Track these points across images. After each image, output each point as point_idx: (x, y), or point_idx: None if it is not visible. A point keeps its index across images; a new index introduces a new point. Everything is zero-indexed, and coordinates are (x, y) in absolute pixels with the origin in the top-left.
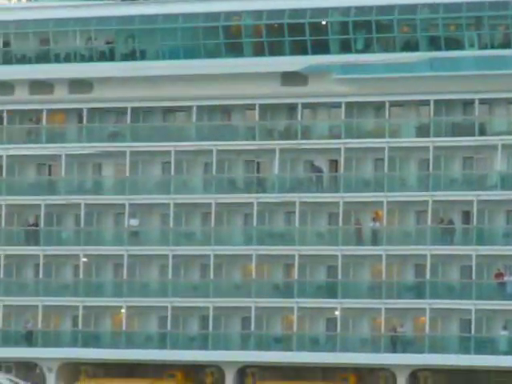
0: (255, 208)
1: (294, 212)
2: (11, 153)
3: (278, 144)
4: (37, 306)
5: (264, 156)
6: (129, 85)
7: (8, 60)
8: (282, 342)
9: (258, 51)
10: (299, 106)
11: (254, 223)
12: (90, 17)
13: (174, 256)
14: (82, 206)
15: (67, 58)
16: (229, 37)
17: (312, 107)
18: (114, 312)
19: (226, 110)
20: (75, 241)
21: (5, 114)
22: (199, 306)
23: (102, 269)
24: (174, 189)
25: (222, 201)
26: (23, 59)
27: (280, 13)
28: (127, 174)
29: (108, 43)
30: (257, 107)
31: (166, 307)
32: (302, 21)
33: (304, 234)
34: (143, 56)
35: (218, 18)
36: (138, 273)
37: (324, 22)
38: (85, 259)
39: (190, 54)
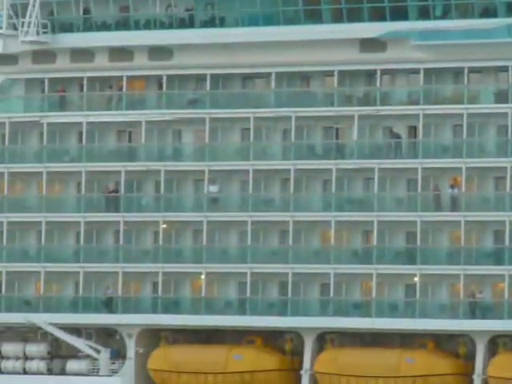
0: (334, 174)
1: (373, 178)
2: (91, 120)
3: (356, 110)
4: (117, 273)
5: (343, 122)
6: (208, 52)
7: (88, 27)
8: (360, 308)
9: (337, 18)
10: (378, 73)
11: (333, 189)
12: None
13: (253, 222)
14: (162, 173)
15: (147, 25)
16: (308, 3)
17: (390, 73)
18: (194, 278)
19: (305, 77)
20: (155, 207)
21: (85, 82)
22: (278, 272)
23: (181, 235)
24: (253, 155)
25: (301, 167)
26: (103, 26)
27: None
28: (206, 141)
29: (187, 10)
30: (335, 74)
31: (245, 273)
32: None
33: (383, 200)
34: (222, 23)
35: None
36: (217, 239)
37: None
38: (164, 225)
39: (269, 20)
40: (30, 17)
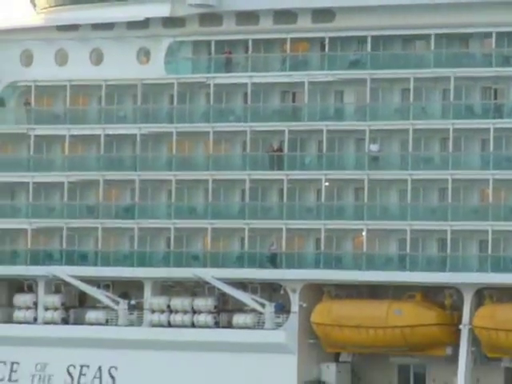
0: (492, 134)
1: None
2: (255, 80)
3: None
4: (281, 229)
5: (501, 83)
6: (369, 14)
7: None
8: None
9: None
10: None
11: (491, 148)
12: None
13: (413, 180)
14: (324, 132)
15: None
16: None
17: None
18: (355, 235)
19: (464, 38)
20: (318, 166)
21: (250, 44)
22: (437, 230)
23: (343, 193)
24: (412, 115)
25: (460, 126)
26: None
27: None
28: (367, 101)
29: None
30: (493, 35)
31: (405, 230)
32: None
33: None
34: None
35: None
36: (378, 197)
37: None
38: (327, 183)
39: None
40: None
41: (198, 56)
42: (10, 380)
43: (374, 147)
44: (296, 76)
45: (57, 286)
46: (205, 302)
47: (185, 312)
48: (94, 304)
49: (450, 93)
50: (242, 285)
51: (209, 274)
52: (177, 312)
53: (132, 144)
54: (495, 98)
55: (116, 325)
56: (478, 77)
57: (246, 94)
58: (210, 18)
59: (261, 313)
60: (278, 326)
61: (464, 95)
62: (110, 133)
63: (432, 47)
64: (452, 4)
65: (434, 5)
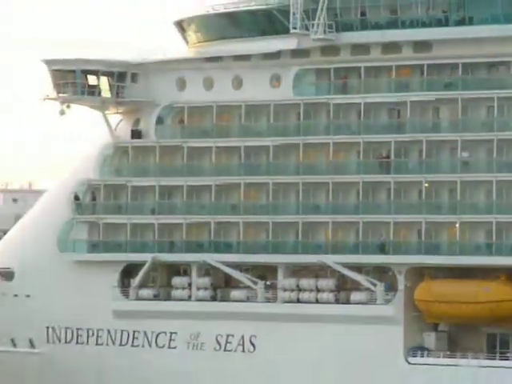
0: None
1: None
2: (367, 100)
3: None
4: (389, 223)
5: None
6: (460, 45)
7: (364, 26)
8: None
9: None
10: None
11: None
12: None
13: (497, 182)
14: (424, 143)
15: (411, 25)
16: None
17: None
18: (450, 226)
19: None
20: (419, 170)
21: (362, 70)
22: None
23: (439, 192)
24: (496, 127)
25: None
26: (376, 26)
27: None
28: (459, 116)
29: (443, 12)
30: None
31: (491, 222)
32: None
33: None
34: (471, 21)
35: None
36: (468, 195)
37: None
38: (426, 185)
39: (509, 19)
40: (319, 19)
41: (320, 81)
42: (169, 347)
43: (465, 154)
44: (400, 96)
45: (207, 270)
46: (327, 283)
47: (310, 291)
48: (237, 284)
49: None
50: (357, 268)
51: (330, 259)
52: (304, 291)
53: (266, 154)
54: None
55: (255, 301)
56: None
57: (359, 112)
58: (330, 49)
59: (373, 291)
60: (387, 302)
61: None
62: (249, 144)
63: (511, 71)
64: None
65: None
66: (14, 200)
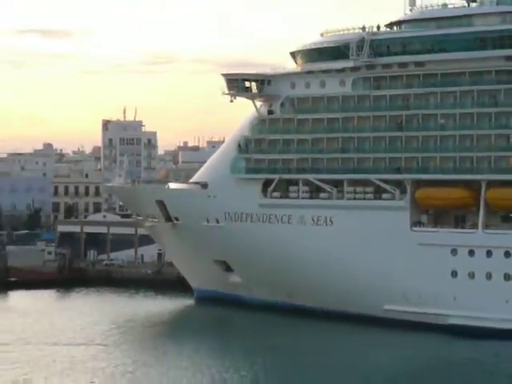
0: None
1: None
2: None
3: None
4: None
5: None
6: None
7: None
8: None
9: None
10: None
11: None
12: None
13: None
14: None
15: None
16: None
17: None
18: None
19: None
20: None
21: None
22: None
23: None
24: None
25: None
26: None
27: None
28: None
29: None
30: None
31: None
32: None
33: None
34: None
35: None
36: None
37: None
38: None
39: None
40: (364, 50)
41: (365, 83)
42: (288, 223)
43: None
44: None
45: (308, 182)
46: (370, 189)
47: (362, 193)
48: (324, 190)
49: None
50: (385, 181)
51: (373, 177)
52: (358, 193)
53: (338, 122)
54: None
55: (332, 199)
56: None
57: (385, 99)
58: (370, 67)
59: (394, 193)
60: (401, 199)
61: None
62: (329, 117)
63: None
64: None
65: None
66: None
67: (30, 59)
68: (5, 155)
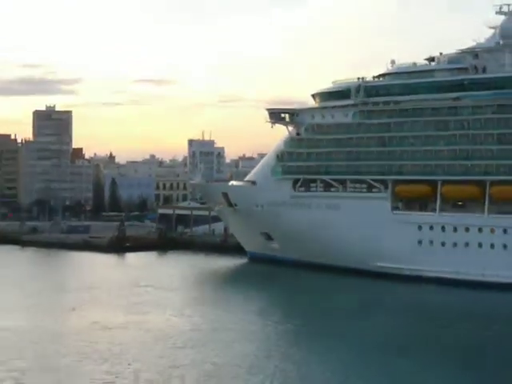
0: None
1: None
2: None
3: None
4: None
5: None
6: None
7: None
8: None
9: None
10: None
11: None
12: None
13: None
14: None
15: None
16: None
17: None
18: None
19: None
20: None
21: None
22: None
23: None
24: None
25: None
26: None
27: None
28: None
29: None
30: None
31: None
32: None
33: None
34: None
35: None
36: None
37: None
38: None
39: None
40: (359, 93)
41: (360, 115)
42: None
43: None
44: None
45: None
46: (361, 186)
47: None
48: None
49: None
50: (374, 180)
51: (368, 177)
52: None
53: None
54: None
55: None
56: None
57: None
58: (364, 104)
59: (379, 189)
60: (384, 192)
61: None
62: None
63: None
64: None
65: None
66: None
67: (143, 99)
68: (124, 162)
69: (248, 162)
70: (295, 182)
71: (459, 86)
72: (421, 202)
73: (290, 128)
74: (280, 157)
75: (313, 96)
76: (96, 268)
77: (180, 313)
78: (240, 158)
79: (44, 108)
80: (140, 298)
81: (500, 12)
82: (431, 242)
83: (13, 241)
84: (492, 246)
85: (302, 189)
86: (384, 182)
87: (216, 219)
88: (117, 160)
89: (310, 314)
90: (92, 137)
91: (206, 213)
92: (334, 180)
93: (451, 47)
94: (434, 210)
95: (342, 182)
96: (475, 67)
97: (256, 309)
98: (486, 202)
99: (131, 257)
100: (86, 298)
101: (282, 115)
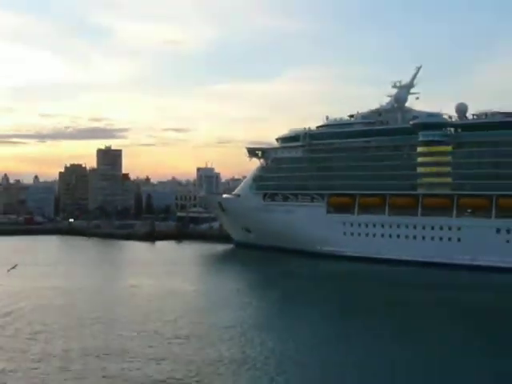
0: None
1: None
2: None
3: None
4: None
5: None
6: None
7: None
8: None
9: None
10: None
11: None
12: None
13: None
14: None
15: None
16: None
17: None
18: None
19: None
20: None
21: None
22: None
23: None
24: None
25: None
26: None
27: None
28: None
29: None
30: None
31: None
32: None
33: None
34: None
35: None
36: None
37: None
38: None
39: None
40: (307, 139)
41: (315, 147)
42: None
43: None
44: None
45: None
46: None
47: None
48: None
49: None
50: (318, 195)
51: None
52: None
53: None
54: None
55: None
56: None
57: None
58: (314, 147)
59: (320, 200)
60: (323, 201)
61: None
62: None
63: None
64: None
65: None
66: None
67: (169, 141)
68: (156, 182)
69: (236, 182)
70: (265, 195)
71: (369, 134)
72: (345, 208)
73: (262, 160)
74: (255, 178)
75: (276, 139)
76: (136, 251)
77: (188, 279)
78: (231, 179)
79: (104, 147)
80: (166, 268)
81: (395, 86)
82: (352, 234)
83: (82, 233)
84: (382, 235)
85: (269, 200)
86: (322, 195)
87: (214, 219)
88: (151, 181)
89: (261, 278)
90: (135, 166)
91: (208, 215)
92: (290, 194)
93: (365, 108)
94: (353, 213)
95: (295, 195)
96: (380, 122)
97: (233, 275)
98: (387, 208)
99: (159, 244)
100: (137, 270)
101: (257, 152)
